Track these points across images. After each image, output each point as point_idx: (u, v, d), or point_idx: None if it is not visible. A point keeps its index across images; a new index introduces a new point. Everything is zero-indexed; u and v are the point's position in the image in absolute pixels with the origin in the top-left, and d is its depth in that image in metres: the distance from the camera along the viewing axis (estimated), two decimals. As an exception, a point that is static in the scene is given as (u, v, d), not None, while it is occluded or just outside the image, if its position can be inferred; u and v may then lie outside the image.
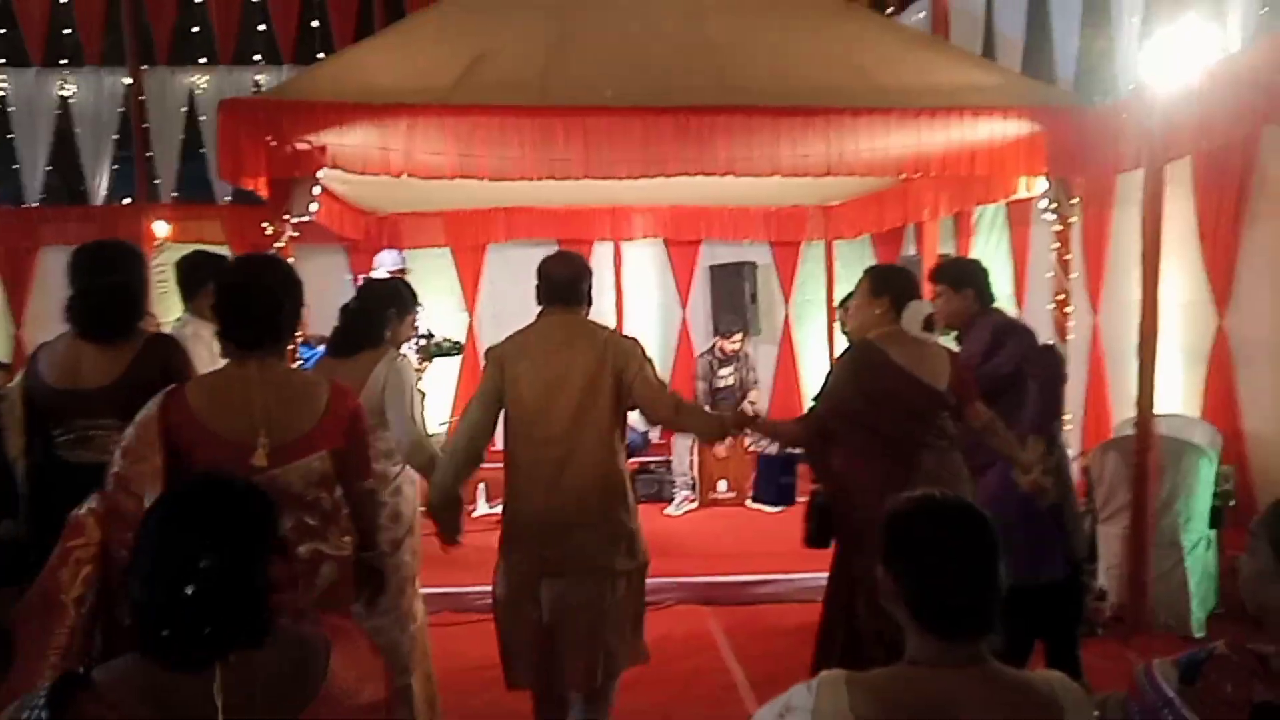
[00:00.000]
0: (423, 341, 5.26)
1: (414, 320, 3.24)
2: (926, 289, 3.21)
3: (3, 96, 7.90)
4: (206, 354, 2.81)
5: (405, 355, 3.00)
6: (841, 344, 4.82)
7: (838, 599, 2.76)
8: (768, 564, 4.62)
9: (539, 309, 2.81)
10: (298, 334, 3.86)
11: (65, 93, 7.94)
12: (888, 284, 2.80)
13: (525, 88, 4.18)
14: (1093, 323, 5.66)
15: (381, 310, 2.99)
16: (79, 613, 1.82)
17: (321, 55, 7.97)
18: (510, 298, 7.97)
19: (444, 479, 2.69)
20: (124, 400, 2.35)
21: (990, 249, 7.05)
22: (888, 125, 4.32)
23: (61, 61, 8.03)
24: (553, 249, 8.46)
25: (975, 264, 3.36)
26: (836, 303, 5.71)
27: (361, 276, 6.32)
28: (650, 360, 2.74)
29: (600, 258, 8.10)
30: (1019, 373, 2.97)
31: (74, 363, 2.56)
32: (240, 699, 1.14)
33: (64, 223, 7.67)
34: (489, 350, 2.77)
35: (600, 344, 2.67)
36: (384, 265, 5.55)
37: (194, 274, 3.25)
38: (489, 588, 2.76)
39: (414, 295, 3.22)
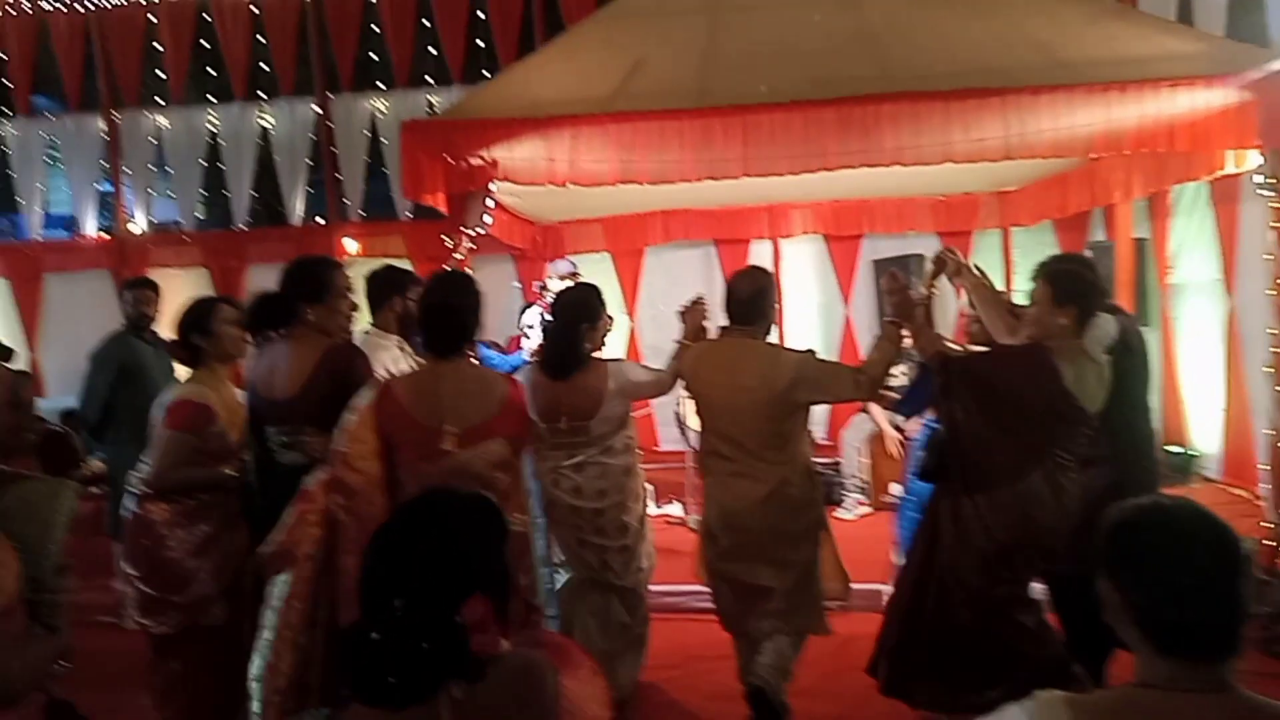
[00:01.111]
0: None
1: (607, 325, 3.41)
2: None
3: (214, 132, 8.78)
4: (388, 362, 3.00)
5: (619, 360, 3.37)
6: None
7: (914, 585, 2.82)
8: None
9: (724, 325, 3.10)
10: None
11: (264, 123, 8.74)
12: (1074, 294, 2.66)
13: (683, 91, 4.21)
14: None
15: (576, 327, 3.22)
16: (311, 566, 2.23)
17: (487, 73, 8.35)
18: (669, 299, 8.07)
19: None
20: (313, 406, 2.60)
21: (1192, 231, 6.41)
22: (1073, 102, 4.02)
23: (260, 95, 8.84)
24: (710, 250, 8.53)
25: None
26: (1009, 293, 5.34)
27: (535, 284, 6.58)
28: (815, 361, 2.98)
29: (758, 256, 8.02)
30: None
31: (271, 372, 2.77)
32: None
33: (267, 242, 8.47)
34: (681, 352, 3.23)
35: (769, 370, 2.90)
36: (556, 273, 5.74)
37: (379, 289, 3.41)
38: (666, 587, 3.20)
39: (601, 300, 3.38)
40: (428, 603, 1.14)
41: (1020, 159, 4.15)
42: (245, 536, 2.79)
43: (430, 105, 8.25)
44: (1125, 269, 5.57)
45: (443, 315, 2.52)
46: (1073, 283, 2.70)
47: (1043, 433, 2.61)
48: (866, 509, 5.98)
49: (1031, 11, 4.56)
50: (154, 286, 4.71)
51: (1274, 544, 4.20)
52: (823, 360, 3.05)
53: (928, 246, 7.63)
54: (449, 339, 2.49)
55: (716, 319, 3.24)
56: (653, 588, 3.57)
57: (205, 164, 8.82)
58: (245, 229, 8.84)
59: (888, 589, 4.33)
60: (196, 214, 9.30)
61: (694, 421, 6.22)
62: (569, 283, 5.26)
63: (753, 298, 3.02)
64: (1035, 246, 6.82)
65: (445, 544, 1.20)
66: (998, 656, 2.62)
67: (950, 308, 7.58)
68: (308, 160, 8.67)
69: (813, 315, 8.03)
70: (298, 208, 8.68)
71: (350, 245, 7.50)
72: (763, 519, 2.90)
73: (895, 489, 5.99)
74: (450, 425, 2.33)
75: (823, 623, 3.08)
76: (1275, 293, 4.21)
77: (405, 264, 7.89)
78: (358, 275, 6.51)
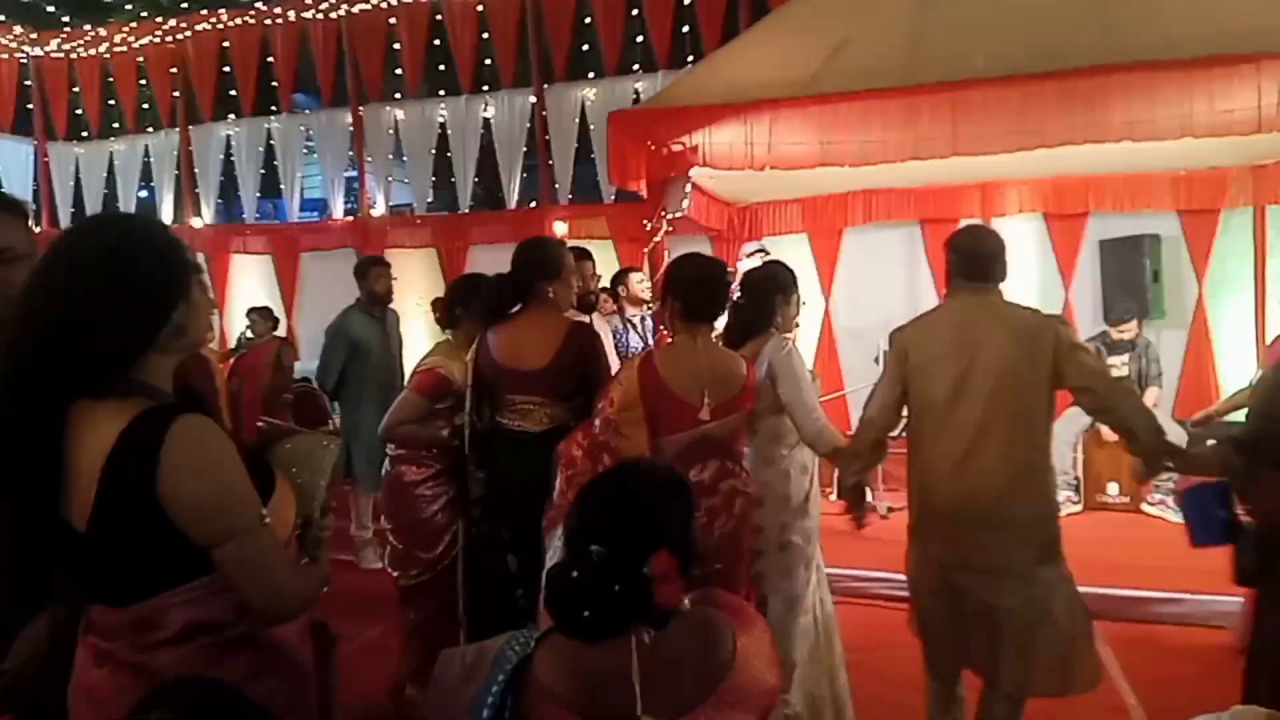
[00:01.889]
0: None
1: (800, 301, 3.19)
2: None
3: (442, 122, 9.57)
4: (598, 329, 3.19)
5: (790, 339, 2.97)
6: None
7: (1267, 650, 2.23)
8: (1167, 580, 4.08)
9: (950, 289, 2.64)
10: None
11: (487, 114, 9.41)
12: None
13: (888, 69, 4.11)
14: None
15: (768, 298, 3.02)
16: None
17: (691, 58, 8.50)
18: (867, 281, 7.88)
19: (850, 467, 2.74)
20: (556, 378, 2.83)
21: None
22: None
23: (483, 87, 9.52)
24: (914, 230, 8.22)
25: None
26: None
27: (731, 268, 6.68)
28: (1077, 341, 2.48)
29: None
30: None
31: (517, 345, 2.93)
32: (655, 674, 1.25)
33: (486, 225, 9.16)
34: (893, 334, 2.68)
35: (1023, 329, 2.46)
36: (745, 253, 5.79)
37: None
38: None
39: (793, 276, 3.18)
40: (621, 552, 1.28)
41: (1276, 131, 3.71)
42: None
43: (636, 92, 8.53)
44: None
45: (704, 286, 2.65)
46: None
47: None
48: (1077, 508, 5.61)
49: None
50: (388, 265, 5.23)
51: None
52: (1086, 347, 2.55)
53: (1165, 226, 6.96)
54: (709, 309, 2.66)
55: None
56: (840, 571, 3.49)
57: (435, 152, 9.64)
58: (468, 212, 9.60)
59: (1100, 591, 4.09)
60: (428, 199, 10.19)
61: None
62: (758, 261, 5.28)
63: (996, 254, 2.57)
64: (1295, 228, 6.05)
65: (640, 504, 1.35)
66: None
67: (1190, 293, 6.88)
68: (524, 147, 9.25)
69: (1029, 300, 7.48)
70: (514, 192, 9.29)
71: (559, 227, 7.95)
72: (999, 510, 2.46)
73: (1113, 488, 5.58)
74: (709, 399, 2.51)
75: (1078, 678, 2.49)
76: None
77: (608, 245, 8.31)
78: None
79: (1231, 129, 3.72)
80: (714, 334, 2.80)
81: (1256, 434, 2.28)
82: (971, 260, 2.57)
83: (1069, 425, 5.72)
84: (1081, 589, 3.43)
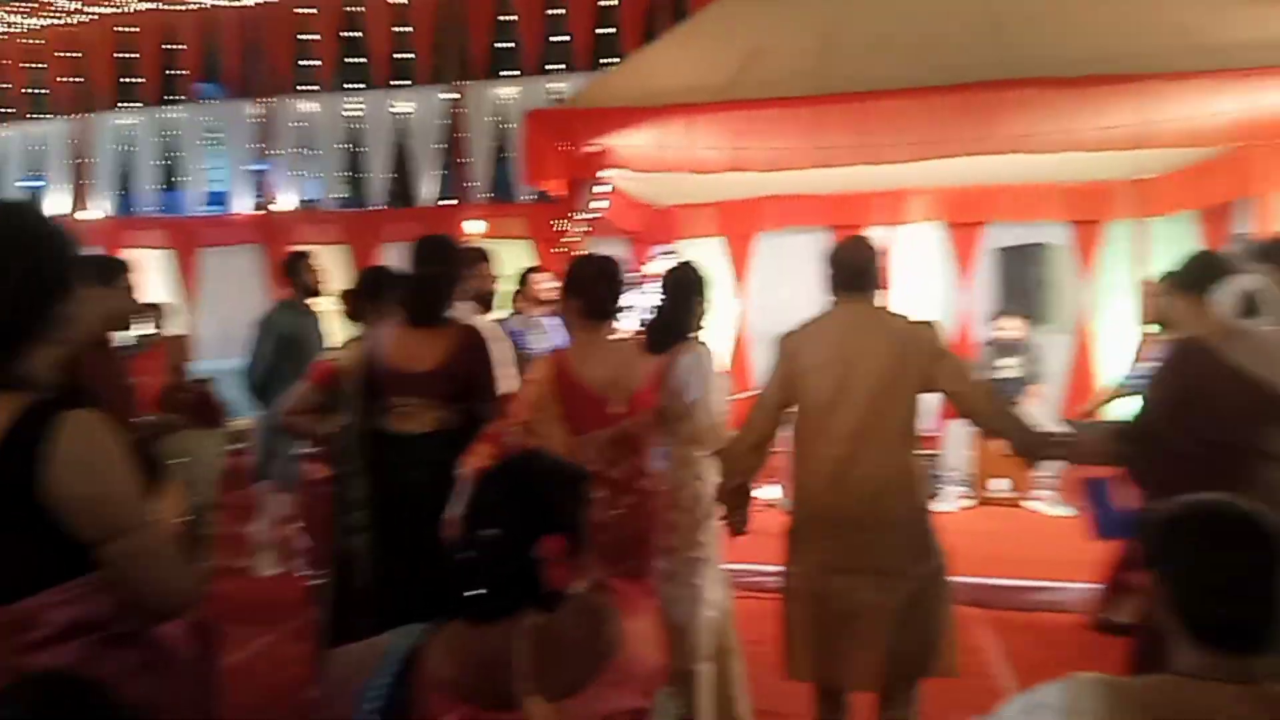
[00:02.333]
0: None
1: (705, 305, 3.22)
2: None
3: (355, 116, 9.37)
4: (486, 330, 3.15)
5: (705, 343, 3.04)
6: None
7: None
8: (1048, 570, 4.35)
9: (830, 298, 2.71)
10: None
11: (401, 109, 9.26)
12: (1183, 278, 2.46)
13: (799, 78, 4.23)
14: None
15: (688, 299, 3.06)
16: None
17: (613, 60, 8.55)
18: (780, 285, 8.06)
19: (732, 470, 2.76)
20: (445, 382, 2.79)
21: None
22: (1212, 89, 3.83)
23: (398, 83, 9.36)
24: (824, 236, 8.46)
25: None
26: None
27: (643, 268, 6.76)
28: (954, 352, 2.60)
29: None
30: None
31: (405, 346, 2.87)
32: (543, 656, 1.29)
33: (399, 222, 8.99)
34: (781, 338, 2.72)
35: (897, 337, 2.56)
36: (658, 255, 5.87)
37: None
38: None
39: (704, 279, 3.21)
40: (512, 534, 1.33)
41: (1152, 148, 3.99)
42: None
43: (555, 93, 8.54)
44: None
45: (601, 284, 2.73)
46: (1182, 269, 2.50)
47: (1236, 438, 2.26)
48: (969, 502, 5.90)
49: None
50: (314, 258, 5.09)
51: None
52: (961, 358, 2.68)
53: (1055, 235, 7.36)
54: (608, 307, 2.73)
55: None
56: (739, 566, 3.45)
57: (346, 147, 9.43)
58: (380, 209, 9.42)
59: (989, 582, 4.31)
60: (338, 194, 9.95)
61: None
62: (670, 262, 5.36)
63: (868, 264, 2.66)
64: (1173, 238, 6.47)
65: (533, 489, 1.40)
66: None
67: (1072, 296, 7.29)
68: (440, 145, 9.14)
69: (929, 304, 7.86)
70: (428, 190, 9.17)
71: (474, 226, 7.88)
72: (876, 512, 2.54)
73: (1002, 484, 5.88)
74: (616, 395, 2.60)
75: (945, 664, 2.63)
76: None
77: (527, 245, 8.28)
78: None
79: (1113, 144, 3.96)
80: (614, 332, 2.83)
81: (1147, 427, 2.45)
82: (846, 272, 2.67)
83: (963, 425, 6.01)
84: (970, 579, 3.64)
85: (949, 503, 5.85)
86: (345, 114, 9.38)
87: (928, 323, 2.65)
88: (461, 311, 3.36)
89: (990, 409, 2.60)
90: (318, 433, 3.03)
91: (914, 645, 2.54)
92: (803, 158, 4.23)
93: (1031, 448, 2.61)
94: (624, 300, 2.82)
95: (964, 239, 7.74)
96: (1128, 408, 4.08)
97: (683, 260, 3.33)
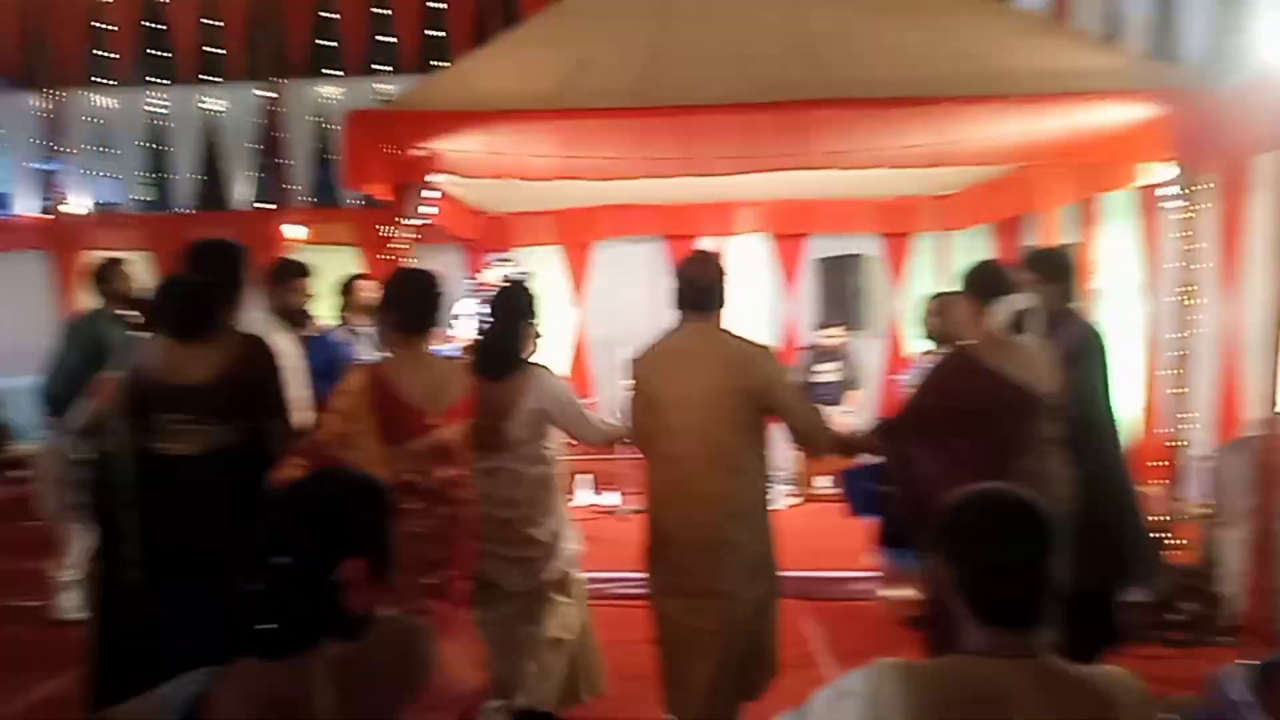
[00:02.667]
0: None
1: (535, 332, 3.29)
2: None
3: (159, 113, 8.65)
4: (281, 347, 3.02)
5: (556, 379, 3.14)
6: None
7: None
8: (871, 561, 4.60)
9: (678, 315, 2.80)
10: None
11: (211, 107, 8.63)
12: (975, 284, 2.71)
13: (626, 89, 4.28)
14: (1227, 316, 5.30)
15: (516, 322, 3.09)
16: None
17: (441, 64, 8.35)
18: (617, 293, 8.16)
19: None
20: (220, 397, 2.59)
21: (1120, 237, 6.69)
22: (1000, 113, 4.20)
23: (208, 78, 8.72)
24: (659, 246, 8.61)
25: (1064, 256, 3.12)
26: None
27: (475, 278, 6.64)
28: (786, 372, 2.79)
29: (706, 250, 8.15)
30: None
31: (174, 359, 2.65)
32: (347, 687, 1.20)
33: (210, 227, 8.33)
34: (631, 363, 2.86)
35: (731, 360, 2.64)
36: (494, 262, 5.77)
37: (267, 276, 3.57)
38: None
39: (533, 299, 3.24)
40: (305, 561, 1.24)
41: (947, 166, 4.32)
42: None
43: (382, 94, 8.23)
44: (1050, 274, 5.79)
45: (415, 300, 2.75)
46: (975, 274, 2.77)
47: (1000, 434, 2.53)
48: (796, 500, 6.17)
49: (967, 24, 4.73)
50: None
51: (1165, 536, 4.45)
52: (793, 379, 2.87)
53: (870, 247, 7.88)
54: (422, 322, 2.74)
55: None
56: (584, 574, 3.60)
57: (149, 146, 8.69)
58: (188, 212, 8.72)
59: (816, 575, 4.53)
60: (139, 197, 9.14)
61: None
62: (506, 275, 5.32)
63: (713, 284, 2.76)
64: (972, 250, 7.07)
65: (328, 510, 1.31)
66: None
67: (884, 307, 7.81)
68: (254, 145, 8.58)
69: (758, 312, 8.19)
70: (242, 193, 8.59)
71: (294, 232, 7.44)
72: (717, 537, 2.62)
73: (824, 481, 6.19)
74: (434, 406, 2.61)
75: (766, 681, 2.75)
76: (1180, 300, 4.46)
77: (353, 252, 7.92)
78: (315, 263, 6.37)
79: (915, 162, 4.27)
80: (429, 345, 2.88)
81: (900, 425, 2.77)
82: (691, 290, 2.77)
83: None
84: (798, 573, 3.80)
85: (777, 502, 6.08)
86: (148, 110, 8.63)
87: (764, 347, 2.78)
88: (263, 326, 3.21)
89: (811, 429, 2.79)
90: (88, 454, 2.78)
91: (742, 672, 2.65)
92: (632, 168, 4.29)
93: (830, 449, 2.90)
94: (459, 308, 2.91)
95: (788, 250, 8.13)
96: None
97: (512, 279, 3.38)
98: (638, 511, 5.82)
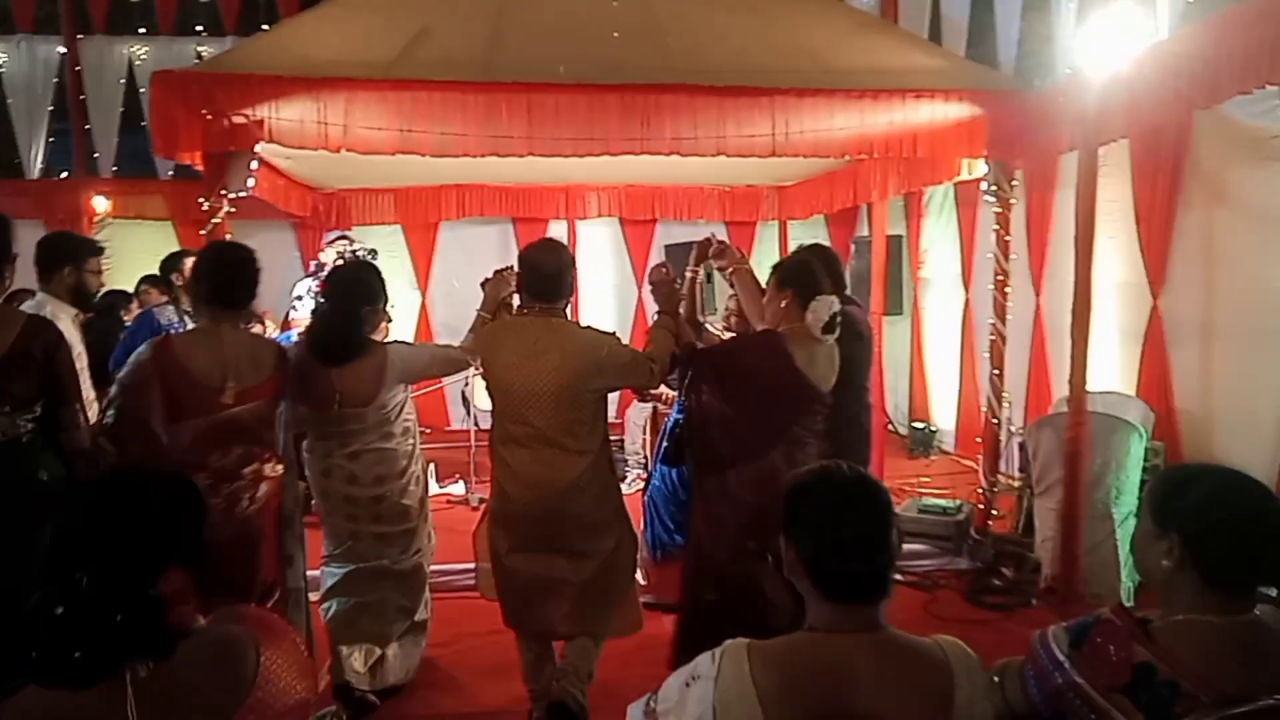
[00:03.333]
0: None
1: (386, 314, 3.30)
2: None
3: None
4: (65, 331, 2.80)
5: (399, 344, 3.18)
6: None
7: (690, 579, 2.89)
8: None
9: (522, 302, 2.90)
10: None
11: (-1, 61, 7.68)
12: (791, 278, 2.85)
13: (468, 63, 4.13)
14: (1036, 303, 5.77)
15: (356, 311, 3.03)
16: None
17: (266, 26, 7.79)
18: (464, 276, 7.95)
19: None
20: (5, 379, 2.36)
21: (940, 230, 7.16)
22: (832, 107, 4.34)
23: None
24: (507, 227, 8.46)
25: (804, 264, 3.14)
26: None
27: (314, 260, 6.25)
28: (618, 346, 2.84)
29: (555, 236, 8.07)
30: None
31: None
32: (159, 709, 1.08)
33: (2, 197, 7.45)
34: (479, 332, 3.02)
35: (572, 353, 2.74)
36: (327, 240, 5.48)
37: (52, 255, 3.40)
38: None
39: (381, 280, 3.19)
40: (120, 575, 1.10)
41: (785, 157, 4.42)
42: None
43: (199, 56, 7.59)
44: (879, 262, 6.11)
45: (230, 270, 2.72)
46: (791, 268, 2.93)
47: (781, 413, 2.75)
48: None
49: (806, 19, 4.87)
50: None
51: (985, 507, 4.81)
52: (624, 346, 2.91)
53: (716, 234, 8.02)
54: (231, 296, 2.70)
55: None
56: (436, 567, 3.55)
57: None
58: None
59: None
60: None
61: (482, 401, 6.22)
62: (343, 255, 5.07)
63: (560, 272, 2.83)
64: (809, 239, 7.33)
65: (139, 516, 1.17)
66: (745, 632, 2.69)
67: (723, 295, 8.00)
68: (50, 107, 7.71)
69: (607, 297, 8.20)
70: (37, 160, 7.71)
71: (100, 204, 6.74)
72: (561, 508, 2.76)
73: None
74: (233, 383, 2.60)
75: (627, 622, 2.95)
76: (994, 288, 4.79)
77: (166, 226, 7.29)
78: (110, 237, 5.92)
79: (753, 151, 4.34)
80: (243, 322, 2.91)
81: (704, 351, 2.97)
82: (536, 279, 2.85)
83: (639, 410, 6.34)
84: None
85: (630, 485, 6.12)
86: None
87: (604, 334, 2.88)
88: (51, 308, 3.07)
89: (649, 374, 2.87)
90: None
91: (595, 607, 2.84)
92: (474, 145, 4.12)
93: (657, 374, 2.91)
94: (299, 289, 2.82)
95: (638, 235, 8.19)
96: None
97: (351, 259, 3.21)
98: (485, 500, 5.79)
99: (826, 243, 7.10)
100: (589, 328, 2.92)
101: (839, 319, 2.77)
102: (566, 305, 2.94)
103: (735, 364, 2.83)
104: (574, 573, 2.80)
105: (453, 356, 3.19)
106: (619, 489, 2.98)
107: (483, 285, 3.18)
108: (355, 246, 5.57)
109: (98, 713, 1.07)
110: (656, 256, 8.17)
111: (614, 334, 2.92)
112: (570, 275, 2.86)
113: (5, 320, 2.45)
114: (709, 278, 7.65)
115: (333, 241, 5.04)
